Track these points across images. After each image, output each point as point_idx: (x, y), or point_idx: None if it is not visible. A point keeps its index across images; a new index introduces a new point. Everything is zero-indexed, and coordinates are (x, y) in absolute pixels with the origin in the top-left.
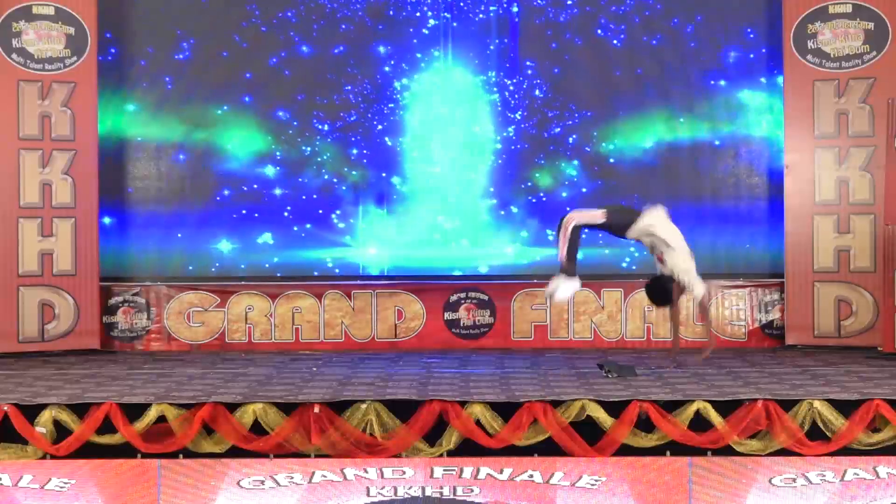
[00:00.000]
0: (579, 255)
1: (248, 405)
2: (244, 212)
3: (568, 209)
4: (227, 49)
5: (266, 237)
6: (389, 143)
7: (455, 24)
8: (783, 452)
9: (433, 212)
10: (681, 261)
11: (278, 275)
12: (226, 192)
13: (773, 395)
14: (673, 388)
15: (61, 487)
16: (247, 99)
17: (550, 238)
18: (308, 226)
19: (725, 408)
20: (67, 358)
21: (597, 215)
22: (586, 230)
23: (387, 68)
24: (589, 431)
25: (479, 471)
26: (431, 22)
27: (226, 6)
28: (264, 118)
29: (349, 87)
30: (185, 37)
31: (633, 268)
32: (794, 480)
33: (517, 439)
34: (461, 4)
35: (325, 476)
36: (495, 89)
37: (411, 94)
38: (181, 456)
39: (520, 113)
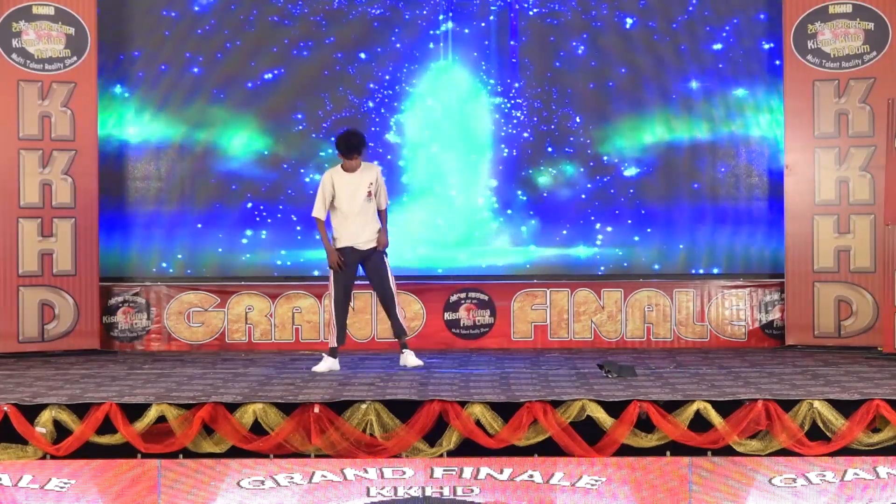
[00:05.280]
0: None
1: (248, 405)
2: (244, 212)
3: None
4: (228, 49)
5: (266, 237)
6: (389, 144)
7: (456, 26)
8: (783, 452)
9: (433, 212)
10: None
11: (278, 275)
12: (226, 193)
13: (773, 395)
14: (673, 388)
15: (61, 488)
16: (247, 99)
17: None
18: (308, 226)
19: (725, 408)
20: (67, 358)
21: None
22: None
23: (387, 69)
24: (589, 431)
25: (479, 471)
26: (432, 22)
27: (227, 6)
28: (264, 118)
29: (349, 88)
30: (185, 37)
31: (634, 268)
32: (794, 480)
33: (517, 439)
34: (462, 5)
35: (325, 476)
36: (495, 89)
37: (411, 95)
38: (181, 456)
39: (520, 113)
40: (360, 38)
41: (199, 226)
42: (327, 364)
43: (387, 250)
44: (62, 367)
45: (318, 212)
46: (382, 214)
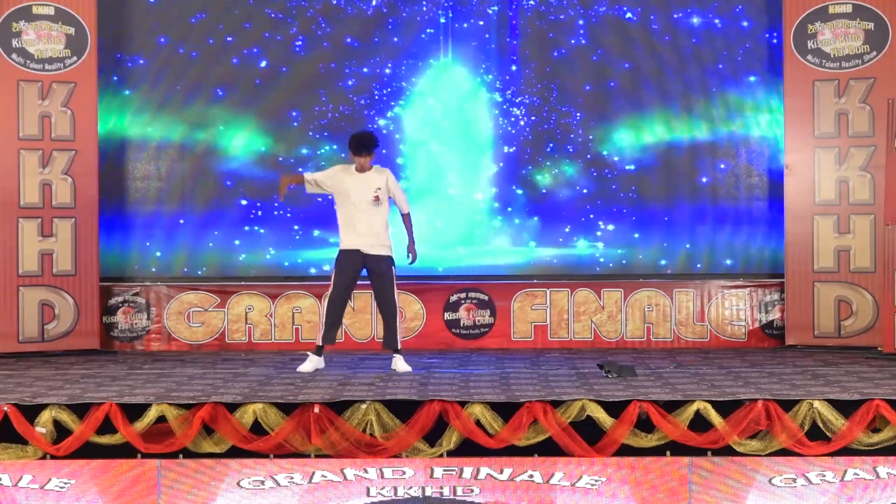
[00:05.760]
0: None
1: (248, 405)
2: (244, 212)
3: None
4: (227, 49)
5: (266, 237)
6: (388, 142)
7: (455, 24)
8: (783, 452)
9: (433, 211)
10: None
11: (278, 274)
12: (225, 193)
13: (773, 395)
14: (673, 388)
15: (61, 488)
16: (246, 99)
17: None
18: (307, 226)
19: (725, 408)
20: (67, 358)
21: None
22: None
23: (386, 65)
24: (589, 431)
25: (479, 471)
26: (431, 19)
27: (226, 6)
28: (264, 118)
29: (349, 87)
30: (185, 37)
31: (633, 267)
32: (794, 480)
33: (517, 439)
34: (461, 2)
35: (325, 476)
36: (495, 86)
37: (411, 94)
38: (181, 456)
39: (519, 110)
40: (360, 36)
41: (199, 226)
42: (313, 363)
43: (394, 259)
44: (62, 367)
45: (308, 176)
46: (406, 219)
